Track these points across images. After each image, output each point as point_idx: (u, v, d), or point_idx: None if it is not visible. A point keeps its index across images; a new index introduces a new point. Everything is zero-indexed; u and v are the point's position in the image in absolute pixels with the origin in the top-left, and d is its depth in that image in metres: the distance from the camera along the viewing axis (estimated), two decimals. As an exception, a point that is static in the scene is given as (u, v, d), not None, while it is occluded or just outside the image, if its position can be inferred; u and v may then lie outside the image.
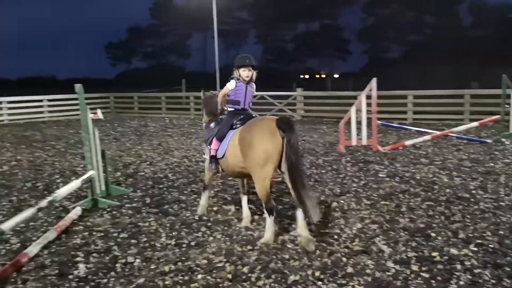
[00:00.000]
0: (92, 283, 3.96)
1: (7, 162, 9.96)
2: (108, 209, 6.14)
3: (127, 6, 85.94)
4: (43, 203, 4.86)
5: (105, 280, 4.01)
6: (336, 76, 59.69)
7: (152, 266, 4.28)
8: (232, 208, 6.13)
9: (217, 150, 5.22)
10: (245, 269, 4.14)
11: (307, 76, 63.16)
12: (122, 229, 5.32)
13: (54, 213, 6.03)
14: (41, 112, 21.18)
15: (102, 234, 5.19)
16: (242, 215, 5.55)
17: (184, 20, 66.42)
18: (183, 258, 4.45)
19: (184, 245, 4.79)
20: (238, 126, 5.12)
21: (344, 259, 4.34)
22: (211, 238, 5.01)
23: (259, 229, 5.24)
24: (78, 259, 4.46)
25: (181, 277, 4.03)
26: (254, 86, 5.38)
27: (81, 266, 4.30)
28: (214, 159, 5.29)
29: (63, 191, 5.44)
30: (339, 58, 73.18)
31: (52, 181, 8.06)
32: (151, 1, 76.53)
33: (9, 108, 20.26)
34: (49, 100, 21.73)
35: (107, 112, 23.17)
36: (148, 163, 9.67)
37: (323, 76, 61.80)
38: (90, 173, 6.25)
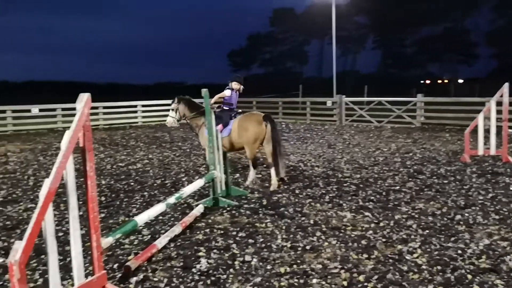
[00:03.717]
0: (213, 278, 4.18)
1: (140, 160, 10.94)
2: (228, 208, 6.44)
3: (249, 16, 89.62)
4: (171, 199, 5.24)
5: (225, 276, 4.21)
6: (460, 81, 55.72)
7: (268, 267, 4.40)
8: (348, 214, 6.06)
9: (221, 131, 7.62)
10: (361, 278, 4.07)
11: (428, 82, 59.86)
12: (240, 229, 5.54)
13: (179, 209, 6.49)
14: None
15: (222, 232, 5.46)
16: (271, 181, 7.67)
17: (303, 27, 67.06)
18: (298, 261, 4.50)
19: (300, 249, 4.85)
20: (234, 117, 7.95)
21: (469, 276, 4.06)
22: (326, 243, 5.00)
23: (377, 237, 5.12)
24: (200, 254, 4.75)
25: (296, 280, 4.08)
26: (238, 94, 8.18)
27: (203, 261, 4.57)
28: None
29: (188, 189, 5.80)
30: (463, 63, 68.10)
31: (178, 179, 8.67)
32: (271, 10, 78.56)
33: (143, 111, 22.22)
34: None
35: (227, 116, 24.25)
36: (264, 166, 9.92)
37: (446, 81, 58.10)
38: (212, 173, 6.61)
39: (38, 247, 4.44)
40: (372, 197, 6.98)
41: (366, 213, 6.11)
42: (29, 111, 19.20)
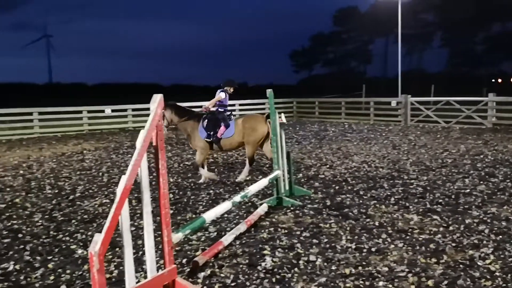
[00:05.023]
0: (278, 276, 4.23)
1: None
2: (292, 208, 6.48)
3: (312, 16, 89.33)
4: (237, 197, 5.35)
5: (289, 275, 4.25)
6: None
7: (333, 267, 4.39)
8: (415, 217, 5.91)
9: (223, 133, 8.11)
10: (430, 283, 3.96)
11: (499, 80, 56.64)
12: (304, 228, 5.56)
13: (244, 208, 6.61)
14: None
15: (286, 231, 5.51)
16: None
17: (367, 26, 65.73)
18: (364, 263, 4.46)
19: (365, 250, 4.80)
20: (232, 119, 8.36)
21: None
22: (392, 246, 4.91)
23: (446, 242, 4.96)
24: (265, 252, 4.82)
25: (361, 282, 4.05)
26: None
27: (268, 259, 4.63)
28: (218, 139, 8.17)
29: (253, 188, 5.89)
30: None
31: (241, 178, 8.82)
32: (335, 9, 77.73)
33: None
34: (240, 105, 23.80)
35: (290, 116, 24.33)
36: (328, 166, 9.89)
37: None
38: (276, 172, 6.68)
39: (112, 240, 4.70)
40: (441, 200, 6.76)
41: (434, 216, 5.92)
42: (102, 111, 20.25)
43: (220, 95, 8.36)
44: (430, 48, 72.15)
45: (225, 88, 8.51)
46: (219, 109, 8.41)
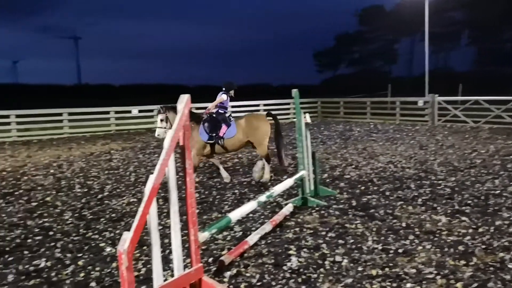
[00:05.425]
0: (304, 277, 4.23)
1: (231, 159, 11.29)
2: (317, 208, 6.46)
3: (337, 16, 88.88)
4: (262, 197, 5.36)
5: (315, 275, 4.24)
6: None
7: (360, 268, 4.36)
8: (443, 218, 5.82)
9: (225, 132, 8.21)
10: (459, 285, 3.90)
11: (529, 79, 55.05)
12: (330, 229, 5.54)
13: (269, 208, 6.63)
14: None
15: (311, 231, 5.50)
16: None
17: (392, 25, 64.88)
18: (391, 264, 4.41)
19: (392, 251, 4.75)
20: (231, 119, 8.42)
21: None
22: (419, 247, 4.85)
23: (475, 244, 4.87)
24: (290, 252, 4.82)
25: (388, 283, 4.01)
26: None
27: (294, 259, 4.63)
28: (220, 139, 8.20)
29: (278, 188, 5.89)
30: None
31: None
32: (360, 9, 77.04)
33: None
34: (265, 105, 23.83)
35: (314, 116, 24.23)
36: (353, 166, 9.81)
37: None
38: (301, 173, 6.67)
39: (139, 239, 4.77)
40: (469, 201, 6.63)
41: (463, 218, 5.82)
42: (129, 112, 20.56)
43: (222, 97, 8.45)
44: (457, 46, 70.57)
45: (228, 91, 8.57)
46: (219, 111, 8.48)
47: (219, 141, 8.19)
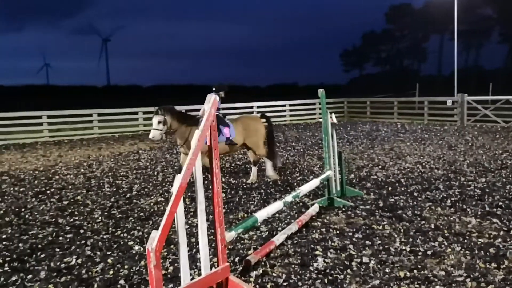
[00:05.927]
0: (330, 277, 4.20)
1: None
2: (343, 209, 6.42)
3: (364, 14, 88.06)
4: (288, 197, 5.36)
5: (342, 276, 4.21)
6: None
7: (387, 270, 4.31)
8: (473, 220, 5.70)
9: (228, 133, 8.19)
10: (490, 288, 3.82)
11: None
12: (357, 230, 5.49)
13: (295, 208, 6.62)
14: (284, 116, 23.40)
15: (338, 232, 5.46)
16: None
17: (421, 22, 63.84)
18: (419, 266, 4.35)
19: (420, 253, 4.68)
20: (228, 121, 8.42)
21: None
22: (449, 249, 4.76)
23: (507, 246, 4.75)
24: (317, 252, 4.80)
25: (417, 285, 3.95)
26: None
27: (320, 259, 4.61)
28: (227, 140, 8.24)
29: (305, 188, 5.87)
30: None
31: (293, 178, 8.82)
32: (387, 7, 76.13)
33: (257, 112, 22.92)
34: (291, 105, 23.80)
35: (341, 116, 24.08)
36: (380, 167, 9.70)
37: None
38: (327, 173, 6.64)
39: (167, 238, 4.84)
40: (501, 203, 6.47)
41: (494, 220, 5.69)
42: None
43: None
44: (488, 44, 68.97)
45: (218, 92, 8.56)
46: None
47: (227, 142, 8.24)
